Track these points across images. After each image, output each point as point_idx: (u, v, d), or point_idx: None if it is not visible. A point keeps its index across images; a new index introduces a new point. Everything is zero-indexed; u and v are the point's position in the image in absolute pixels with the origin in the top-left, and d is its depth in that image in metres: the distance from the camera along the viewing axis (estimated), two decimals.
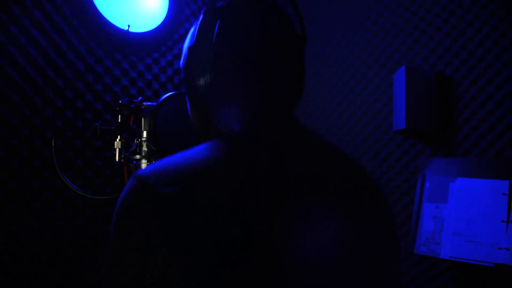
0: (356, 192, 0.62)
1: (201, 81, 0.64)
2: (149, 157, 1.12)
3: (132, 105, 1.12)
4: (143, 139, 1.13)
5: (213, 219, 0.48)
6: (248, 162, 0.55)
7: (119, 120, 1.12)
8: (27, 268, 1.15)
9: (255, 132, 0.61)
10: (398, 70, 1.48)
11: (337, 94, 1.79)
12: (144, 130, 1.13)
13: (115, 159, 1.12)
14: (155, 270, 0.47)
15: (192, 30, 0.70)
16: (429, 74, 1.44)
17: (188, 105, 0.74)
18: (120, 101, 1.14)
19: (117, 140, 1.11)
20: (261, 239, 0.50)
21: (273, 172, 0.56)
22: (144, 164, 1.12)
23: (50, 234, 1.20)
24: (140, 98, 1.15)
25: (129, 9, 1.43)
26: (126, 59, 1.43)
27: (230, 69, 0.62)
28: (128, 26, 1.39)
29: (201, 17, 0.65)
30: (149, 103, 1.15)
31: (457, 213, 1.25)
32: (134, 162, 1.13)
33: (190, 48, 0.64)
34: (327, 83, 1.82)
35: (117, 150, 1.12)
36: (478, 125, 1.37)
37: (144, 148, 1.12)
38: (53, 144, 1.11)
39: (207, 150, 0.57)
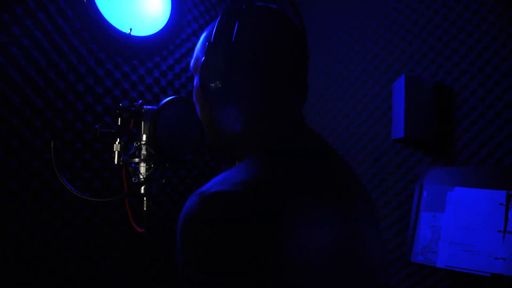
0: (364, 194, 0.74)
1: (219, 77, 0.67)
2: (148, 160, 1.12)
3: (132, 108, 1.13)
4: (143, 142, 1.13)
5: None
6: (296, 173, 0.62)
7: (119, 123, 1.12)
8: (26, 269, 1.14)
9: (288, 144, 0.69)
10: (398, 79, 1.49)
11: (337, 102, 1.79)
12: (144, 133, 1.13)
13: (114, 162, 1.12)
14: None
15: (204, 34, 0.77)
16: (429, 84, 1.45)
17: (198, 107, 0.78)
18: (120, 104, 1.14)
19: (117, 143, 1.12)
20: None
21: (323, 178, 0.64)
22: (142, 167, 1.12)
23: (48, 236, 1.20)
24: (140, 101, 1.15)
25: (131, 12, 1.43)
26: (127, 63, 1.44)
27: (246, 69, 0.67)
28: (130, 29, 1.40)
29: (218, 18, 0.70)
30: (150, 107, 1.15)
31: (454, 222, 1.25)
32: (133, 165, 1.13)
33: (209, 44, 0.68)
34: (327, 90, 1.83)
35: (116, 153, 1.12)
36: (477, 135, 1.38)
37: (143, 152, 1.13)
38: (52, 146, 1.11)
39: (253, 166, 0.62)
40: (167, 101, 1.13)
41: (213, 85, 0.67)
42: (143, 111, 1.13)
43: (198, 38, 0.81)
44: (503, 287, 1.17)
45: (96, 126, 1.11)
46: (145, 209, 1.13)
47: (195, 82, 0.77)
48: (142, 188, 1.12)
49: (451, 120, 1.44)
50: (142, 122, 1.13)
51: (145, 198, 1.13)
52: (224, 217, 0.53)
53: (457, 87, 1.43)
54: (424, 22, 1.52)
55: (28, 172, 1.16)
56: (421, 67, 1.52)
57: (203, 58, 0.69)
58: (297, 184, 0.59)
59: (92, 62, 1.32)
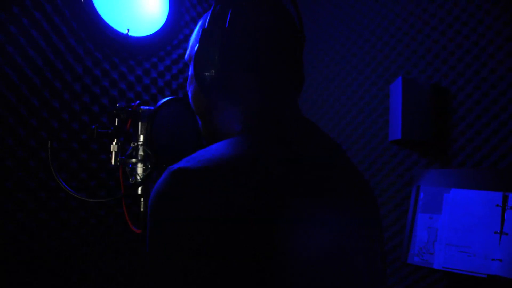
0: (359, 190, 0.70)
1: (213, 64, 0.66)
2: (145, 161, 1.12)
3: (130, 109, 1.12)
4: (140, 143, 1.12)
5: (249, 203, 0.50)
6: (275, 158, 0.58)
7: (116, 124, 1.11)
8: (21, 269, 1.13)
9: (274, 127, 0.65)
10: (395, 81, 1.49)
11: (334, 103, 1.80)
12: (141, 134, 1.13)
13: (111, 162, 1.11)
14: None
15: (200, 23, 0.75)
16: (426, 86, 1.45)
17: (190, 97, 0.76)
18: (117, 105, 1.14)
19: (114, 143, 1.11)
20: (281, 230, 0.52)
21: (296, 167, 0.59)
22: (140, 168, 1.12)
23: (44, 235, 1.19)
24: (137, 102, 1.15)
25: (129, 13, 1.43)
26: (124, 63, 1.43)
27: (241, 56, 0.66)
28: (128, 30, 1.39)
29: (213, 5, 0.68)
30: (147, 107, 1.15)
31: (451, 223, 1.25)
32: (130, 165, 1.12)
33: (203, 31, 0.67)
34: (324, 92, 1.83)
35: (113, 153, 1.11)
36: (473, 137, 1.39)
37: (141, 152, 1.12)
38: (48, 146, 1.11)
39: (233, 146, 0.58)
40: (164, 101, 1.12)
41: (206, 72, 0.66)
42: (140, 111, 1.13)
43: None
44: None
45: (93, 127, 1.10)
46: (142, 209, 1.13)
47: (189, 71, 0.76)
48: (139, 188, 1.11)
49: (447, 122, 1.45)
50: (139, 123, 1.13)
51: (142, 199, 1.12)
52: (185, 197, 0.50)
53: (454, 89, 1.44)
54: (421, 25, 1.53)
55: (24, 172, 1.15)
56: (418, 70, 1.53)
57: (197, 45, 0.68)
58: (280, 176, 0.56)
59: (89, 62, 1.32)
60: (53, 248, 1.21)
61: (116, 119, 1.11)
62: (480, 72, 1.39)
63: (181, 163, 0.54)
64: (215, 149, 0.57)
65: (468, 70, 1.41)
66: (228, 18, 0.65)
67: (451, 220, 1.25)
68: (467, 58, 1.41)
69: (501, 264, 1.12)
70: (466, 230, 1.22)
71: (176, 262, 0.49)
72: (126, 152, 1.13)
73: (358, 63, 1.72)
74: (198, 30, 0.74)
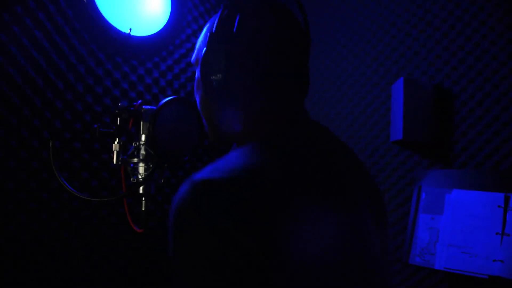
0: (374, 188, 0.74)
1: (220, 68, 0.67)
2: (146, 160, 1.12)
3: (132, 108, 1.12)
4: (141, 142, 1.13)
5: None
6: (280, 161, 0.60)
7: (118, 123, 1.11)
8: (23, 269, 1.14)
9: (280, 130, 0.68)
10: (397, 82, 1.49)
11: (335, 104, 1.80)
12: (143, 133, 1.13)
13: (113, 161, 1.12)
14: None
15: (207, 26, 0.77)
16: (427, 87, 1.45)
17: (198, 102, 0.77)
18: (119, 104, 1.14)
19: (115, 143, 1.11)
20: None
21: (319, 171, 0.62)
22: (141, 167, 1.12)
23: (46, 236, 1.19)
24: (139, 101, 1.15)
25: (131, 12, 1.43)
26: (126, 63, 1.44)
27: (248, 60, 0.67)
28: (130, 29, 1.40)
29: (221, 9, 0.69)
30: (149, 107, 1.15)
31: (453, 224, 1.25)
32: (132, 165, 1.13)
33: (211, 35, 0.68)
34: (326, 93, 1.83)
35: (115, 152, 1.11)
36: (475, 138, 1.38)
37: (142, 152, 1.12)
38: (50, 145, 1.11)
39: (248, 156, 0.60)
40: (166, 101, 1.12)
41: (213, 76, 0.67)
42: (142, 111, 1.13)
43: (198, 36, 0.80)
44: None
45: (95, 126, 1.11)
46: (143, 209, 1.13)
47: (196, 74, 0.77)
48: (141, 188, 1.12)
49: (449, 122, 1.44)
50: (141, 122, 1.13)
51: (143, 198, 1.13)
52: (211, 208, 0.51)
53: (456, 90, 1.44)
54: (423, 26, 1.53)
55: (26, 172, 1.16)
56: (420, 71, 1.52)
57: (205, 49, 0.69)
58: (299, 180, 0.58)
59: (91, 62, 1.32)
60: (54, 249, 1.21)
61: (118, 119, 1.11)
62: (483, 73, 1.38)
63: (204, 174, 0.55)
64: (234, 159, 0.59)
65: (470, 71, 1.41)
66: (236, 22, 0.66)
67: (453, 221, 1.25)
68: (469, 59, 1.41)
69: (502, 265, 1.11)
70: (468, 231, 1.21)
71: (202, 273, 0.51)
72: (128, 152, 1.14)
73: (359, 64, 1.72)
74: (206, 34, 0.75)
